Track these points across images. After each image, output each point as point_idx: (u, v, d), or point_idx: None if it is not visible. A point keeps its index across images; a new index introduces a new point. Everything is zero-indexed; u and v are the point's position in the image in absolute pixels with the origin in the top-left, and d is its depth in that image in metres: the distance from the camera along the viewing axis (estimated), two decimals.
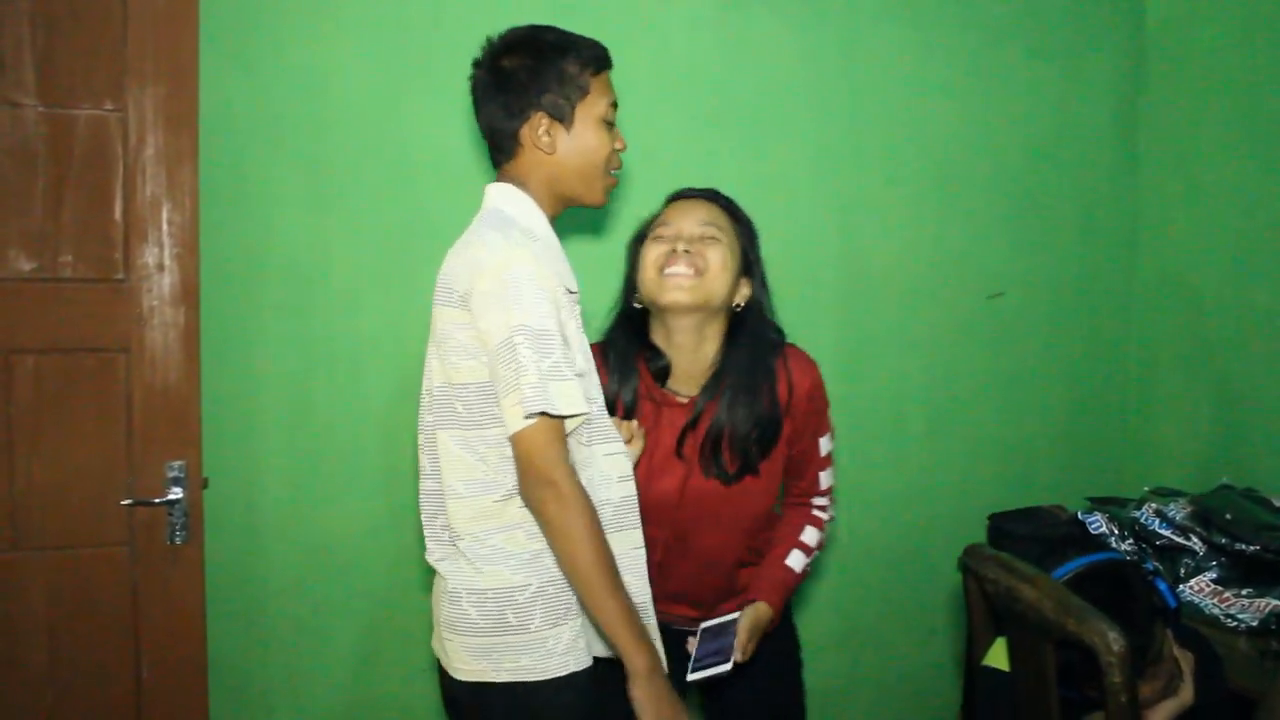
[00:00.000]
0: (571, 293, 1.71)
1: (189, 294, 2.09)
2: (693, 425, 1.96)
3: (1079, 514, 2.72)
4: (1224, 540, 2.43)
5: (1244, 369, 2.90)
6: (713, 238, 1.94)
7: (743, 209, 2.06)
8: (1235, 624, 2.34)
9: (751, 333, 1.98)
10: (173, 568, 2.11)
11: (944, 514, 3.04)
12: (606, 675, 1.68)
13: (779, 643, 2.09)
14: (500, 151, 1.76)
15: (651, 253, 1.95)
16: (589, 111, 1.71)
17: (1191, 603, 2.41)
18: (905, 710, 3.10)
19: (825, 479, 2.08)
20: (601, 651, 1.70)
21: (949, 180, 2.99)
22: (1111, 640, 1.66)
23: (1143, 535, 2.59)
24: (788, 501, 2.11)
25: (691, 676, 1.87)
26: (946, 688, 3.07)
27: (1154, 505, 2.64)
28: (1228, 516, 2.47)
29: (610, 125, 1.74)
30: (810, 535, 2.06)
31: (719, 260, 1.92)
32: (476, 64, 1.77)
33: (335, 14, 2.44)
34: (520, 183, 1.73)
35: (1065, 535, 2.47)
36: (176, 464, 2.09)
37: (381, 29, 2.47)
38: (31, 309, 2.02)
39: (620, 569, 1.62)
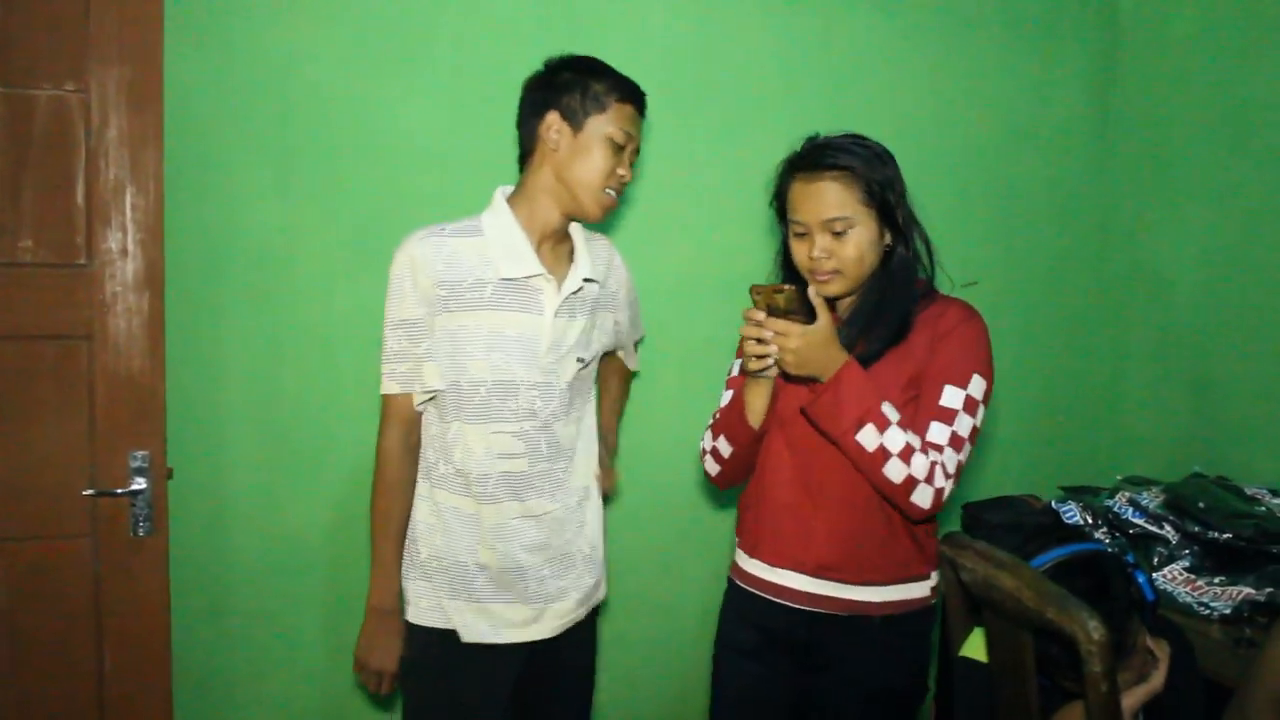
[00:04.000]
0: (510, 280, 1.91)
1: (153, 280, 2.04)
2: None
3: (1053, 503, 2.73)
4: (1197, 529, 2.44)
5: (1215, 358, 2.91)
6: (841, 230, 1.85)
7: (871, 143, 1.91)
8: (1208, 612, 2.35)
9: (891, 278, 1.91)
10: (136, 559, 2.06)
11: None
12: (471, 657, 1.96)
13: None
14: (522, 147, 1.98)
15: (795, 248, 1.92)
16: (599, 126, 1.90)
17: (1165, 591, 2.41)
18: None
19: (938, 432, 1.82)
20: (475, 637, 1.96)
21: (924, 166, 2.95)
22: (1092, 629, 1.65)
23: (1116, 524, 2.60)
24: None
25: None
26: None
27: (1127, 494, 2.65)
28: (1200, 505, 2.47)
29: (618, 148, 1.92)
30: (898, 435, 1.78)
31: (854, 251, 1.86)
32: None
33: None
34: (522, 184, 1.98)
35: (1040, 524, 2.46)
36: (140, 454, 2.04)
37: (352, 12, 2.43)
38: None
39: (498, 537, 1.94)
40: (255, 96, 2.37)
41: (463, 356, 1.91)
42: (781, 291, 1.77)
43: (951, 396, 1.83)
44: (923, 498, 1.80)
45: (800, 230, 1.89)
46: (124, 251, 2.02)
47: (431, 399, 1.97)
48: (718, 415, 2.05)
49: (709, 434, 2.06)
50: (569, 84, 1.91)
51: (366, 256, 2.45)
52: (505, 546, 1.95)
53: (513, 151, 2.37)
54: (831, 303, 1.96)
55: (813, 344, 1.78)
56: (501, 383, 1.92)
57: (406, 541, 2.01)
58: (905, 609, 1.95)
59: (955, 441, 1.82)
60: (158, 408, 2.06)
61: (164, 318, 2.05)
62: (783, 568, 1.97)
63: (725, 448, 2.02)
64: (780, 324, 1.79)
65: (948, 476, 1.81)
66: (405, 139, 2.48)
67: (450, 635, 1.96)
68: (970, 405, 1.84)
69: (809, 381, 1.86)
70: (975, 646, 2.05)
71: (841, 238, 1.86)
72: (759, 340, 1.81)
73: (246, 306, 2.40)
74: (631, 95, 1.95)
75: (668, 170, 2.71)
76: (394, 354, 1.94)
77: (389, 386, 1.96)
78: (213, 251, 2.36)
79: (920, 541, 1.96)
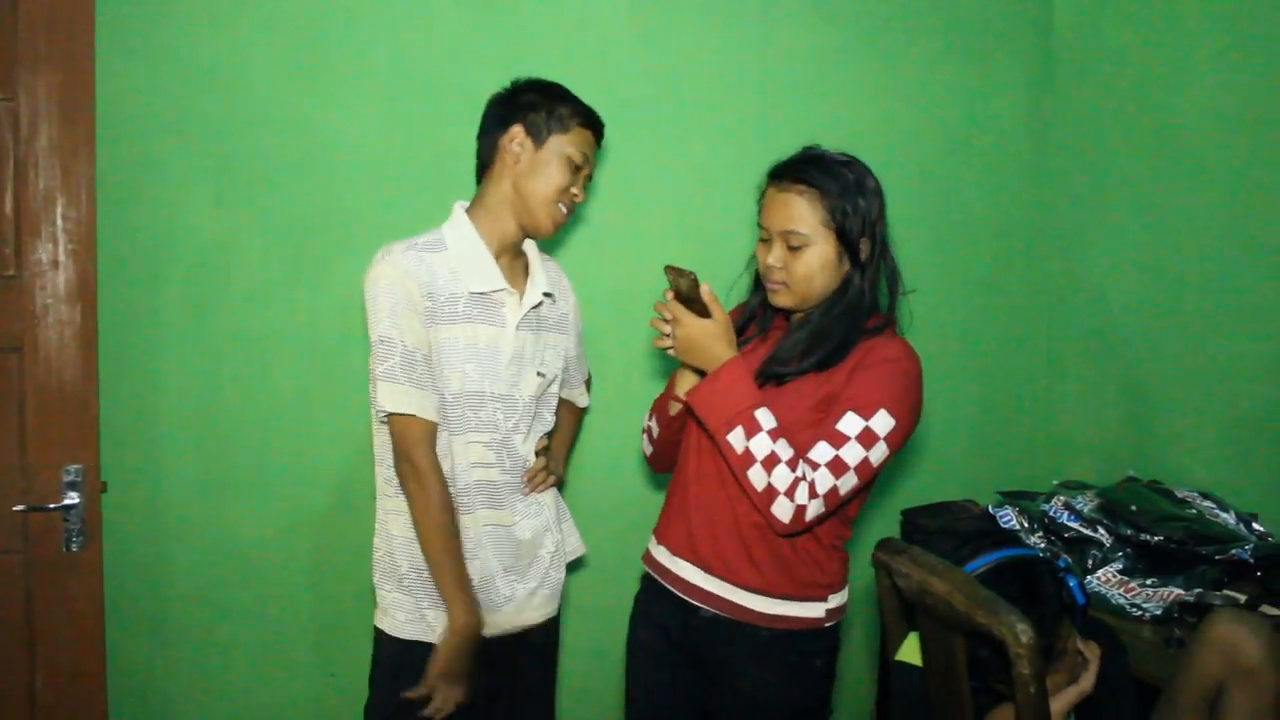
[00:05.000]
0: (479, 293, 1.97)
1: (85, 291, 2.01)
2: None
3: (990, 508, 2.77)
4: (1129, 531, 2.49)
5: (1148, 365, 2.97)
6: (796, 245, 1.88)
7: (858, 170, 1.91)
8: (1140, 613, 2.40)
9: (840, 306, 1.91)
10: (69, 575, 2.03)
11: None
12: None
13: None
14: (481, 159, 2.05)
15: (759, 250, 1.97)
16: (560, 146, 1.99)
17: (1098, 593, 2.46)
18: None
19: (821, 452, 1.79)
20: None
21: None
22: (1020, 632, 1.68)
23: (1052, 528, 2.64)
24: None
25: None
26: (862, 682, 3.11)
27: (1062, 498, 2.70)
28: (1133, 508, 2.53)
29: (575, 168, 2.01)
30: (765, 442, 1.77)
31: (804, 269, 1.89)
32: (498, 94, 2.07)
33: (240, 4, 2.37)
34: (480, 197, 2.04)
35: (977, 529, 2.51)
36: (73, 467, 2.01)
37: (287, 22, 2.41)
38: None
39: (478, 545, 2.00)
40: (190, 106, 2.34)
41: (446, 369, 1.95)
42: (684, 276, 1.84)
43: (849, 423, 1.80)
44: (782, 511, 1.77)
45: (764, 235, 1.95)
46: (55, 262, 1.99)
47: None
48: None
49: (648, 413, 2.15)
50: (535, 104, 2.00)
51: (303, 266, 2.44)
52: (483, 555, 2.01)
53: (448, 163, 2.38)
54: (785, 314, 2.00)
55: (699, 335, 1.86)
56: (473, 394, 1.97)
57: (382, 555, 2.03)
58: (796, 626, 1.91)
59: (836, 465, 1.78)
60: (90, 421, 2.03)
61: (97, 329, 2.03)
62: (681, 558, 1.99)
63: (655, 428, 2.12)
64: (677, 309, 1.88)
65: (814, 496, 1.77)
66: (341, 149, 2.46)
67: (427, 646, 1.96)
68: (867, 437, 1.79)
69: (701, 372, 1.92)
70: (911, 650, 2.08)
71: (796, 253, 1.89)
72: (665, 320, 1.91)
73: (182, 317, 2.37)
74: (592, 123, 2.05)
75: (606, 180, 2.72)
76: (389, 370, 1.90)
77: (393, 402, 1.90)
78: (147, 262, 2.33)
79: (820, 562, 1.92)
